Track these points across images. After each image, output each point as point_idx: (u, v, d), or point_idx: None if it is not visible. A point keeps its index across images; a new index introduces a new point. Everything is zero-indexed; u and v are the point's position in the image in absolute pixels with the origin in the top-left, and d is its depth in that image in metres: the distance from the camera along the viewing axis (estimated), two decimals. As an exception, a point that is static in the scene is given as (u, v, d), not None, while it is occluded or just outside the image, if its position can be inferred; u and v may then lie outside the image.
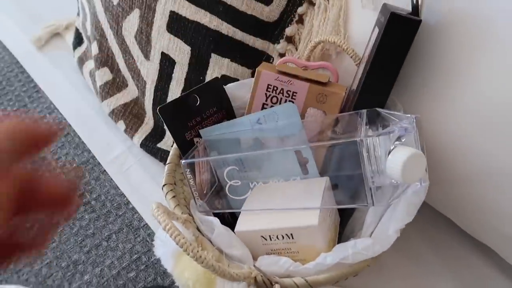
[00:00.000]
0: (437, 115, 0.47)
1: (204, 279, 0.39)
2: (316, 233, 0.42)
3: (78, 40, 0.88)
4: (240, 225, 0.46)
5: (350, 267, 0.41)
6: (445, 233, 0.58)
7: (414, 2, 0.44)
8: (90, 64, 0.83)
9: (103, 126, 0.79)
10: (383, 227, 0.42)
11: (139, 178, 0.71)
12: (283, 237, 0.43)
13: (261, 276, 0.39)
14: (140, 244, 0.63)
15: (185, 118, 0.53)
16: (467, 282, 0.54)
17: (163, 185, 0.48)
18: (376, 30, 0.47)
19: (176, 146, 0.52)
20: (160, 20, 0.63)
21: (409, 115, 0.42)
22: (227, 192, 0.50)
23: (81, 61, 0.86)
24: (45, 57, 0.94)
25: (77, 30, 0.90)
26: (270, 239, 0.44)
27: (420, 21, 0.43)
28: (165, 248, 0.43)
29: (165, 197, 0.47)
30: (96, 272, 0.61)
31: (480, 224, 0.51)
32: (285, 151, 0.49)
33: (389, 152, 0.39)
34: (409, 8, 0.46)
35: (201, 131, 0.53)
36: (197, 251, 0.35)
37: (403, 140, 0.41)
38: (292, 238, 0.43)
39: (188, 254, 0.35)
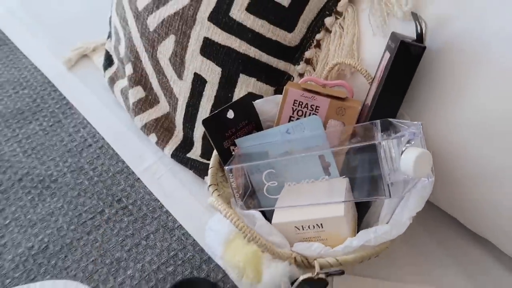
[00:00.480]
0: (440, 125, 0.56)
1: (253, 260, 0.47)
2: (342, 222, 0.51)
3: (109, 62, 0.97)
4: (276, 218, 0.54)
5: (373, 249, 0.49)
6: (447, 228, 0.67)
7: (419, 31, 0.54)
8: (121, 83, 0.91)
9: (135, 139, 0.87)
10: (398, 216, 0.51)
11: (171, 185, 0.79)
12: (313, 227, 0.52)
13: (300, 256, 0.47)
14: (176, 242, 0.71)
15: (223, 129, 0.62)
16: (464, 266, 0.62)
17: (209, 185, 0.56)
18: (387, 54, 0.56)
19: (216, 153, 0.61)
20: (194, 44, 0.73)
21: (415, 122, 0.52)
22: (265, 192, 0.58)
23: (112, 80, 0.94)
24: (75, 76, 1.03)
25: (107, 52, 0.98)
26: (303, 229, 0.52)
27: (425, 47, 0.52)
28: (215, 236, 0.51)
29: (211, 195, 0.55)
30: (138, 268, 0.68)
31: (479, 220, 0.59)
32: (310, 156, 0.57)
33: (402, 152, 0.48)
34: (414, 36, 0.55)
35: (237, 141, 0.62)
36: (254, 232, 0.43)
37: (412, 143, 0.50)
38: (322, 227, 0.52)
39: (246, 236, 0.43)
